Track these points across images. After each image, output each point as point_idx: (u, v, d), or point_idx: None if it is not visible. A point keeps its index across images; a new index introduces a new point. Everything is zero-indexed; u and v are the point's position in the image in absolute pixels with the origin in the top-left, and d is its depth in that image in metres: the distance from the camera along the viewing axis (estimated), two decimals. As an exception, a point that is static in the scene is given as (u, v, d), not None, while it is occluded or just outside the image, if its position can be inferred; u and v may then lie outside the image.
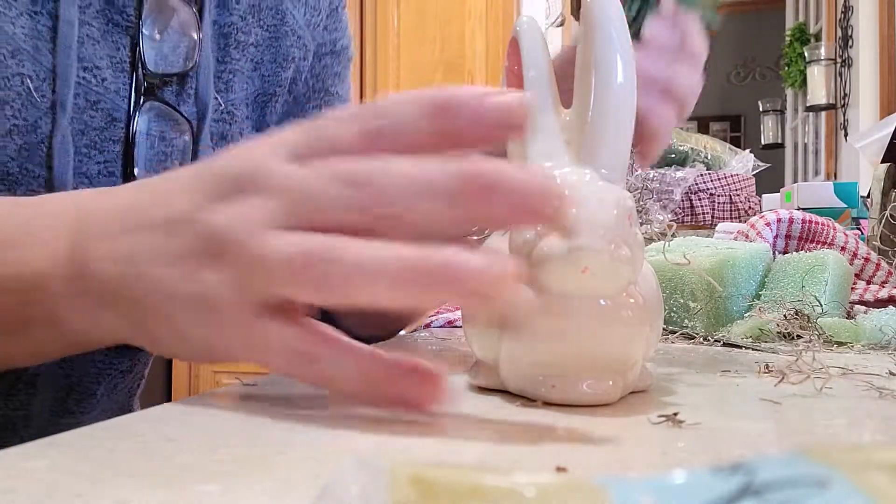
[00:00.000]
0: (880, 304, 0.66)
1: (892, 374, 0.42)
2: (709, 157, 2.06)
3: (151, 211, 0.31)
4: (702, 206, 1.97)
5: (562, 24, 3.37)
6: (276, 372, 0.30)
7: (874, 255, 0.71)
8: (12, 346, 0.35)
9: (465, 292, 0.26)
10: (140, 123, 0.51)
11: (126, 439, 0.25)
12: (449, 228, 0.28)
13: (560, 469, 0.21)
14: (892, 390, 0.36)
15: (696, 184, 1.98)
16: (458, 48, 3.00)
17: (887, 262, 0.70)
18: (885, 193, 0.88)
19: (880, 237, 0.71)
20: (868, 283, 0.70)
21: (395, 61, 2.93)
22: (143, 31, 0.51)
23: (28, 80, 0.45)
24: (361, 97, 2.72)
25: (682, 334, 0.58)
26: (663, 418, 0.29)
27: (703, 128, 5.53)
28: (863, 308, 0.65)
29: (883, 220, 0.74)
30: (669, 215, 0.45)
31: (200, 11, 0.54)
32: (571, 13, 3.72)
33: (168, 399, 2.52)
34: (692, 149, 2.00)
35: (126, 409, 0.61)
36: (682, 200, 1.96)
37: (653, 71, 0.46)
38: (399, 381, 0.29)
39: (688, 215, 1.97)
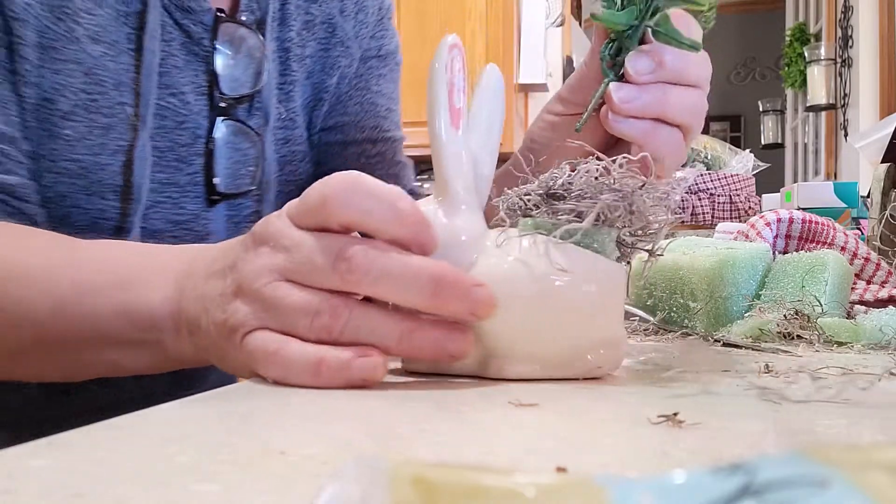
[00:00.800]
0: (880, 304, 0.66)
1: (892, 374, 0.42)
2: (709, 157, 2.06)
3: (220, 261, 0.39)
4: (702, 206, 1.97)
5: (562, 24, 3.37)
6: (257, 371, 0.37)
7: (874, 255, 0.71)
8: (127, 359, 0.44)
9: (445, 356, 0.36)
10: (218, 139, 0.60)
11: (126, 439, 0.25)
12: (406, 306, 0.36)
13: (560, 469, 0.21)
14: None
15: (696, 184, 1.98)
16: (458, 48, 2.99)
17: (887, 262, 0.70)
18: (885, 193, 0.88)
19: (880, 237, 0.71)
20: (868, 283, 0.70)
21: (395, 61, 2.92)
22: (217, 59, 0.59)
23: (127, 108, 0.55)
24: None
25: (682, 334, 0.58)
26: (663, 418, 0.29)
27: (704, 128, 5.51)
28: (863, 308, 0.65)
29: (883, 220, 0.74)
30: (670, 215, 0.44)
31: (262, 31, 0.63)
32: (571, 13, 3.72)
33: (168, 399, 2.52)
34: (692, 149, 2.01)
35: (234, 381, 0.68)
36: (682, 200, 1.96)
37: (641, 103, 0.46)
38: (341, 372, 0.35)
39: (688, 215, 1.97)
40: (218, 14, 0.59)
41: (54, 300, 0.43)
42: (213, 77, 0.60)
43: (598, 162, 0.39)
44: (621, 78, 0.47)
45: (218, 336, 0.38)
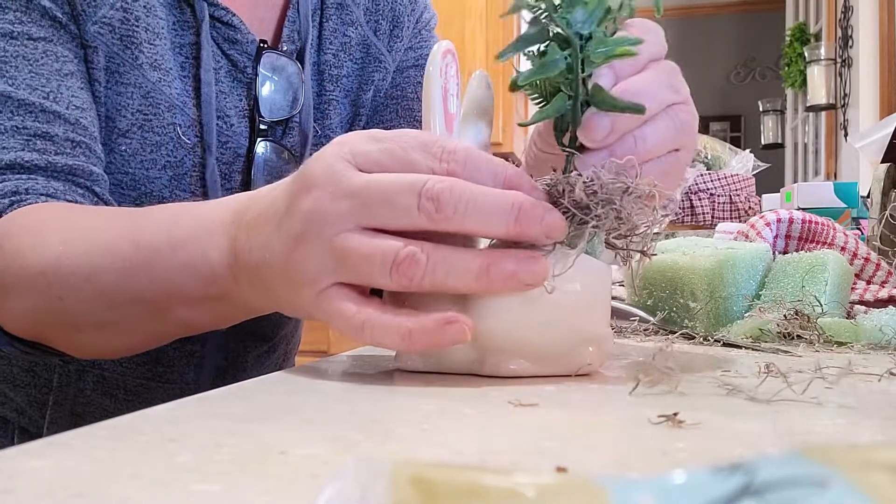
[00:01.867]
0: (880, 304, 0.66)
1: (892, 374, 0.42)
2: (709, 157, 2.06)
3: (268, 210, 0.40)
4: (702, 206, 1.97)
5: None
6: (339, 332, 0.38)
7: (874, 255, 0.71)
8: (197, 316, 0.46)
9: (521, 287, 0.36)
10: (257, 157, 0.66)
11: (126, 439, 0.25)
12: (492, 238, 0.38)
13: (560, 469, 0.21)
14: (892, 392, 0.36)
15: (696, 184, 1.98)
16: (458, 48, 3.00)
17: (887, 262, 0.70)
18: (885, 193, 0.88)
19: (880, 237, 0.71)
20: (868, 283, 0.70)
21: (395, 61, 2.92)
22: (259, 86, 0.65)
23: (178, 128, 0.61)
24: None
25: (682, 334, 0.58)
26: (663, 418, 0.29)
27: (703, 128, 5.51)
28: (863, 308, 0.65)
29: (883, 220, 0.74)
30: (670, 214, 0.43)
31: (301, 60, 0.68)
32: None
33: (168, 399, 2.51)
34: (692, 149, 2.00)
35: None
36: (682, 200, 1.96)
37: (611, 164, 0.41)
38: (431, 337, 0.36)
39: (688, 215, 1.97)
40: (261, 44, 0.65)
41: (121, 266, 0.46)
42: (254, 102, 0.65)
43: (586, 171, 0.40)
44: (583, 147, 0.42)
45: (285, 288, 0.39)
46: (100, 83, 0.59)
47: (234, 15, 0.64)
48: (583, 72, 0.41)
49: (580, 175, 0.39)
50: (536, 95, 0.43)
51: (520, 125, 0.47)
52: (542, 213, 0.36)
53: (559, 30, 0.40)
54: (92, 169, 0.56)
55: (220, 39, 0.64)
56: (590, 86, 0.41)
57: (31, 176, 0.54)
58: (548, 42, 0.41)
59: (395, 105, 0.76)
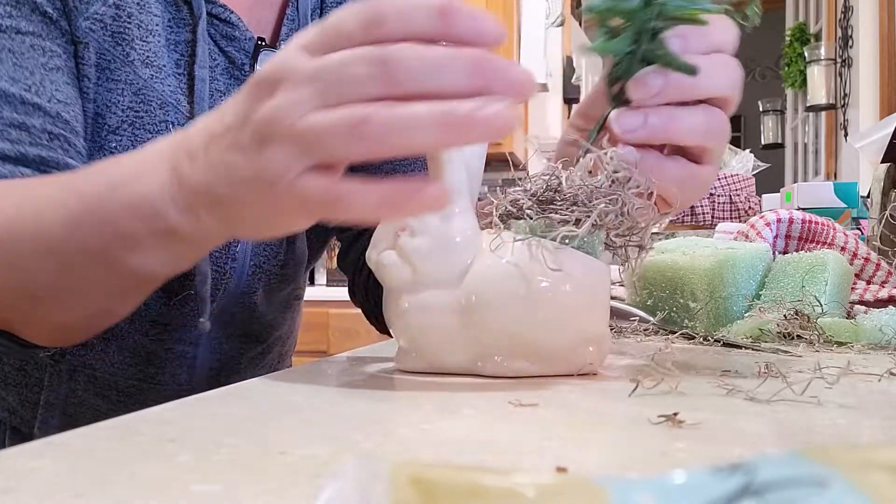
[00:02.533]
0: (880, 304, 0.66)
1: (892, 374, 0.42)
2: (709, 157, 2.06)
3: (218, 124, 0.39)
4: (702, 206, 1.97)
5: (562, 24, 3.37)
6: (319, 217, 0.37)
7: (874, 255, 0.71)
8: (150, 259, 0.44)
9: (486, 133, 0.34)
10: None
11: (126, 439, 0.25)
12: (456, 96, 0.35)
13: (560, 469, 0.21)
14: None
15: (696, 184, 1.97)
16: (458, 48, 2.99)
17: (887, 262, 0.70)
18: (885, 193, 0.88)
19: (880, 237, 0.71)
20: (868, 283, 0.70)
21: (395, 61, 2.91)
22: None
23: (170, 126, 0.60)
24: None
25: (682, 334, 0.58)
26: (663, 418, 0.29)
27: (703, 128, 5.49)
28: (863, 308, 0.65)
29: (883, 220, 0.74)
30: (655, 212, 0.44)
31: None
32: (572, 13, 3.72)
33: (168, 399, 2.51)
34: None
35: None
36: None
37: (644, 132, 0.43)
38: (408, 198, 0.35)
39: (688, 215, 1.97)
40: (259, 42, 0.65)
41: (66, 218, 0.45)
42: None
43: (589, 155, 0.40)
44: (628, 103, 0.43)
45: (254, 195, 0.37)
46: (90, 79, 0.58)
47: (233, 12, 0.64)
48: (655, 19, 0.42)
49: (582, 162, 0.39)
50: (605, 30, 0.44)
51: (581, 50, 0.47)
52: (507, 65, 0.34)
53: None
54: (68, 161, 0.56)
55: (218, 36, 0.64)
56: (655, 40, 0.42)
57: None
58: None
59: None
